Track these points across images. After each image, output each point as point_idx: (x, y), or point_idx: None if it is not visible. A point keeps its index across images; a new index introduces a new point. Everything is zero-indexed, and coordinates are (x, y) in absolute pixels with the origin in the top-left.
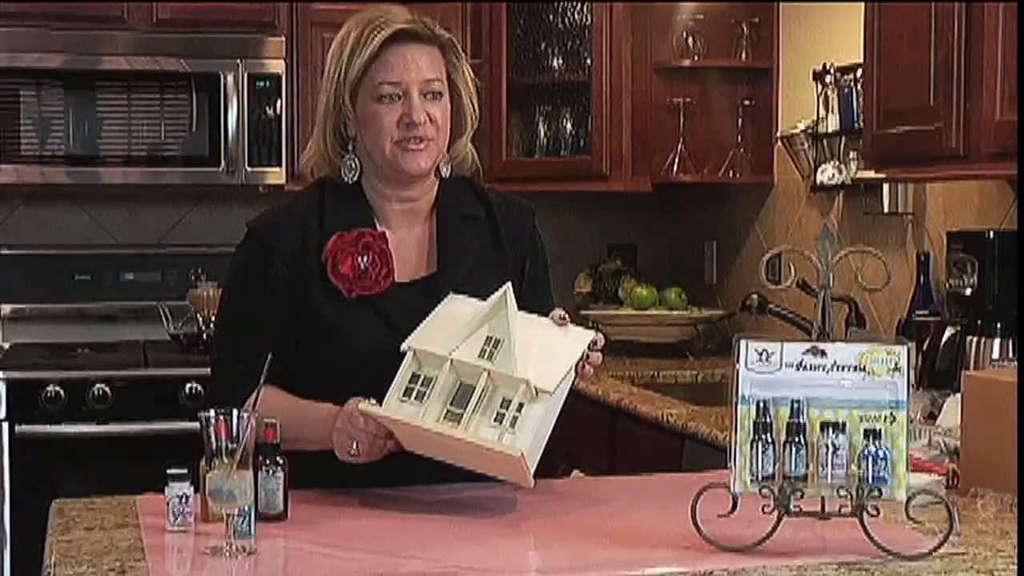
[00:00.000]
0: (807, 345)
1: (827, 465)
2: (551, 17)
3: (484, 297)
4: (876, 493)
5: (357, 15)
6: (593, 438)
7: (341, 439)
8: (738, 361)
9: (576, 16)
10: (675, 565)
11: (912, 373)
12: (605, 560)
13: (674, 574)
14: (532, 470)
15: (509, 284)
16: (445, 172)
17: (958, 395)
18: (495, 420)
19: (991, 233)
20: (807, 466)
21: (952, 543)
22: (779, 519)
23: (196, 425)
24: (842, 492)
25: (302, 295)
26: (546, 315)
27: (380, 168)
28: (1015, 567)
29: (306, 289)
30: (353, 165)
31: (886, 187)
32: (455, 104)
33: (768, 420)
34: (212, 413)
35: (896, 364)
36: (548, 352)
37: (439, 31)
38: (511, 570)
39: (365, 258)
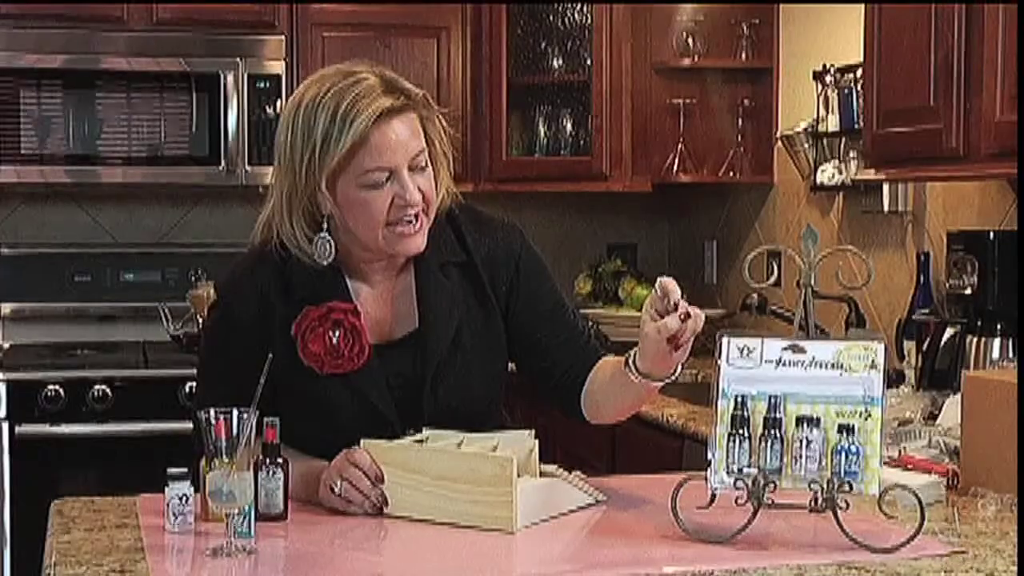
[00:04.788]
0: (787, 342)
1: (800, 459)
2: (551, 17)
3: (471, 348)
4: (847, 487)
5: (320, 77)
6: (593, 438)
7: (331, 475)
8: (720, 357)
9: (576, 16)
10: (675, 564)
11: (912, 372)
12: (605, 560)
13: (674, 574)
14: (520, 520)
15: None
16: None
17: (958, 395)
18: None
19: (991, 233)
20: (781, 459)
21: (952, 543)
22: (755, 511)
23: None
24: (813, 485)
25: (274, 364)
26: (570, 323)
27: (366, 245)
28: (1015, 567)
29: (276, 361)
30: (327, 250)
31: (886, 187)
32: (431, 156)
33: (746, 414)
34: (212, 413)
35: (872, 361)
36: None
37: (413, 91)
38: (511, 569)
39: (336, 334)
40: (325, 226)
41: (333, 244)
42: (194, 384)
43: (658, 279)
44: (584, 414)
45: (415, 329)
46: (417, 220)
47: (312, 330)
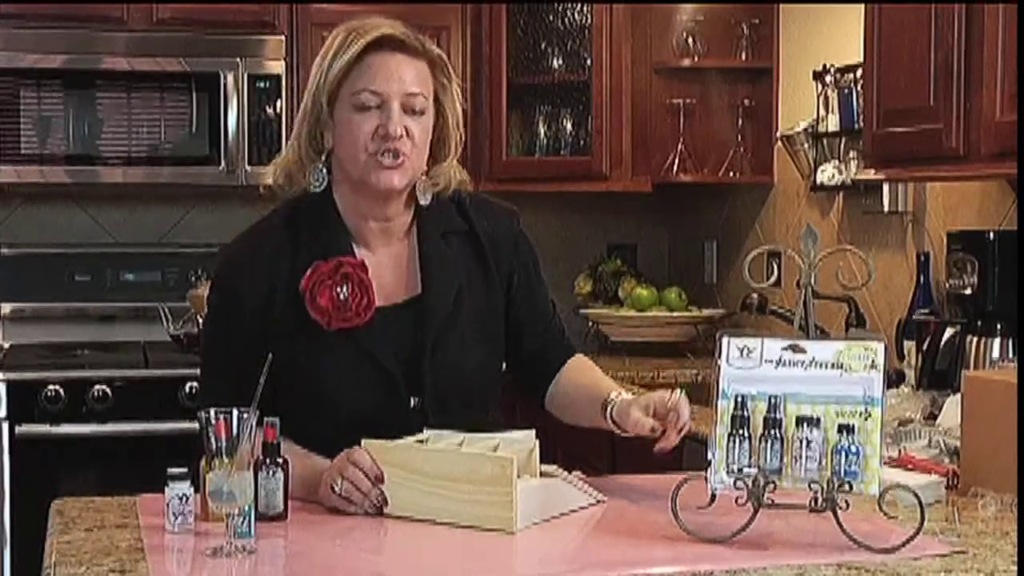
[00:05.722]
0: (787, 342)
1: (800, 459)
2: (551, 17)
3: (472, 315)
4: (847, 487)
5: (347, 23)
6: (593, 438)
7: (332, 475)
8: (720, 357)
9: (576, 16)
10: (675, 565)
11: (912, 372)
12: (605, 560)
13: (674, 574)
14: (520, 520)
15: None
16: (424, 200)
17: (958, 395)
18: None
19: (991, 233)
20: (781, 459)
21: (952, 543)
22: (755, 511)
23: (196, 425)
24: (813, 485)
25: (276, 340)
26: (550, 313)
27: (354, 182)
28: (1015, 567)
29: (279, 334)
30: (320, 176)
31: (886, 187)
32: (440, 127)
33: (746, 414)
34: (212, 413)
35: (872, 361)
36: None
37: (429, 46)
38: (511, 569)
39: (344, 288)
40: (324, 158)
41: (325, 170)
42: (195, 384)
43: (679, 394)
44: (546, 404)
45: (417, 294)
46: (399, 158)
47: (321, 283)
